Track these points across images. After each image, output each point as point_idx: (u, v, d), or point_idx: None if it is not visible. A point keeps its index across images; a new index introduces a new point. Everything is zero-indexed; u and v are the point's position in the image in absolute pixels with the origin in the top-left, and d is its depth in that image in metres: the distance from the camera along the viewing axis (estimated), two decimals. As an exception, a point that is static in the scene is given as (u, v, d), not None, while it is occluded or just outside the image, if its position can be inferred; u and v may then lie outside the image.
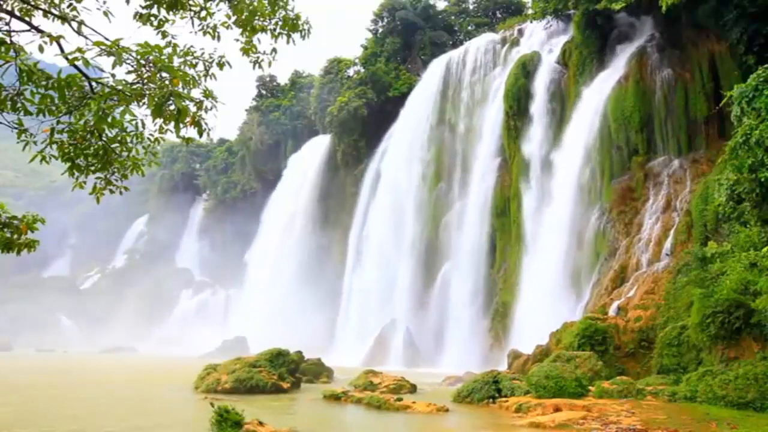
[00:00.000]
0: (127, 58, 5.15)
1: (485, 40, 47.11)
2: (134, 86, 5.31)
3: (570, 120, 33.37)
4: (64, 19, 6.01)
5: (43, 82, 5.30)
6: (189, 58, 6.16)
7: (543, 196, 33.59)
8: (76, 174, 6.10)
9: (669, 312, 22.02)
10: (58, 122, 5.70)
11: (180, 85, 5.34)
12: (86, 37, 5.56)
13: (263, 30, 7.13)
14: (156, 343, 60.77)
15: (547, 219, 32.45)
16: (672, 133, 29.02)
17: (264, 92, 72.58)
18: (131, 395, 22.29)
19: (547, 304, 29.55)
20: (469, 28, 60.04)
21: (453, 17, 61.21)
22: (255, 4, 6.98)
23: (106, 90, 5.36)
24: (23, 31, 5.64)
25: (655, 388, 17.39)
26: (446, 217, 42.49)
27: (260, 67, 7.20)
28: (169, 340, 60.19)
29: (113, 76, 5.38)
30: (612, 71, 31.90)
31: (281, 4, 7.12)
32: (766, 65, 14.76)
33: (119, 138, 5.95)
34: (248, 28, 7.04)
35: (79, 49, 4.98)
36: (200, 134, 5.68)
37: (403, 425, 16.04)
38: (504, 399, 17.58)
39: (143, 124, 5.71)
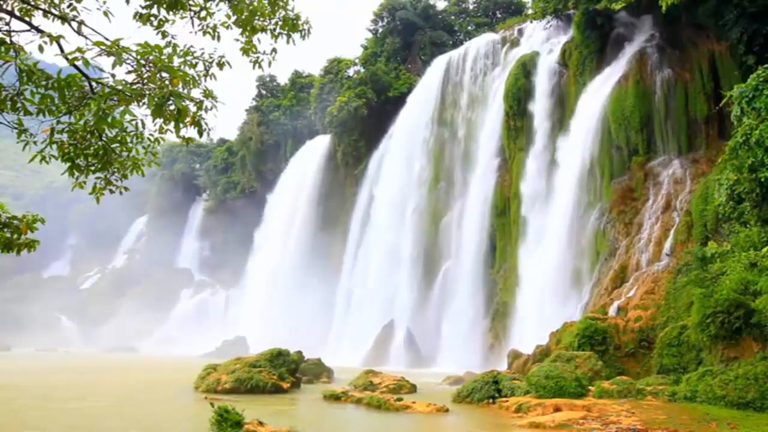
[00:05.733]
0: (127, 58, 5.15)
1: (485, 40, 47.10)
2: (134, 86, 5.31)
3: (570, 120, 33.38)
4: (64, 19, 6.00)
5: (43, 82, 5.30)
6: (189, 58, 6.15)
7: (543, 196, 33.60)
8: (76, 174, 6.08)
9: (669, 312, 22.02)
10: (58, 122, 5.69)
11: (180, 85, 5.34)
12: (86, 37, 5.56)
13: (263, 30, 7.13)
14: (156, 343, 60.73)
15: (547, 219, 32.46)
16: (672, 133, 29.03)
17: (264, 92, 72.56)
18: (131, 395, 22.29)
19: (547, 304, 29.56)
20: (469, 28, 60.06)
21: (453, 17, 61.23)
22: (255, 4, 6.98)
23: (106, 90, 5.36)
24: (23, 31, 5.64)
25: (655, 388, 17.38)
26: (446, 217, 42.49)
27: (260, 67, 7.20)
28: (169, 340, 60.17)
29: (113, 76, 5.38)
30: (612, 71, 31.91)
31: (281, 4, 7.11)
32: (766, 65, 14.75)
33: (119, 138, 5.94)
34: (248, 28, 7.04)
35: (79, 49, 4.98)
36: (200, 134, 5.67)
37: (403, 425, 16.04)
38: (504, 399, 17.58)
39: (143, 124, 5.71)
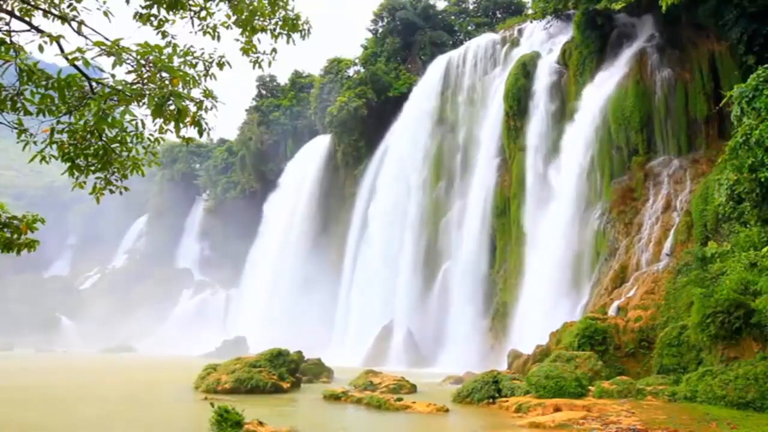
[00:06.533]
0: (127, 58, 5.15)
1: (485, 40, 47.10)
2: (134, 86, 5.31)
3: (570, 120, 33.37)
4: (64, 19, 6.00)
5: (43, 82, 5.30)
6: (189, 58, 6.15)
7: (543, 196, 33.59)
8: (76, 174, 6.09)
9: (669, 312, 22.02)
10: (58, 122, 5.69)
11: (180, 85, 5.34)
12: (86, 37, 5.56)
13: (263, 30, 7.13)
14: (156, 343, 60.72)
15: (547, 219, 32.45)
16: (672, 133, 29.02)
17: (264, 92, 72.55)
18: (131, 395, 22.29)
19: (547, 304, 29.55)
20: (469, 28, 60.05)
21: (453, 17, 61.21)
22: (255, 4, 6.98)
23: (106, 90, 5.36)
24: (23, 31, 5.64)
25: (655, 388, 17.39)
26: (446, 217, 42.48)
27: (260, 67, 7.20)
28: (169, 340, 60.13)
29: (113, 76, 5.38)
30: (612, 71, 31.91)
31: (281, 4, 7.12)
32: (766, 65, 14.74)
33: (119, 138, 5.94)
34: (248, 28, 7.04)
35: (79, 49, 4.98)
36: (200, 134, 5.68)
37: (403, 425, 16.04)
38: (504, 399, 17.58)
39: (143, 124, 5.71)
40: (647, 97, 29.70)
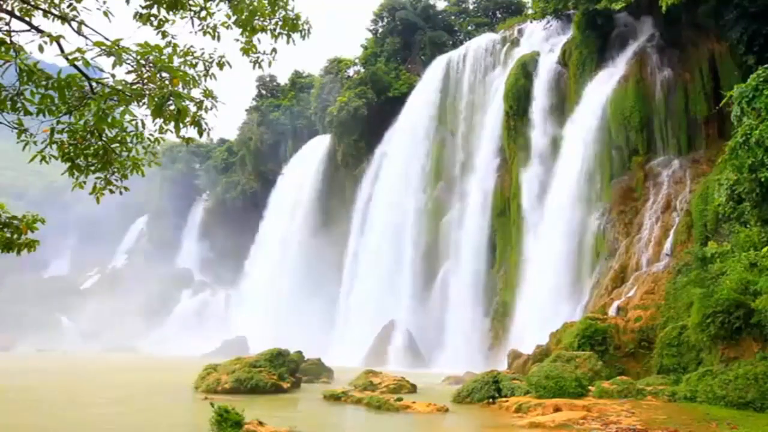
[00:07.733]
0: (127, 58, 5.15)
1: (485, 40, 47.10)
2: (134, 86, 5.31)
3: (570, 120, 33.37)
4: (64, 19, 6.00)
5: (43, 82, 5.30)
6: (189, 58, 6.15)
7: (543, 196, 33.59)
8: (76, 174, 6.09)
9: (669, 312, 22.02)
10: (58, 122, 5.69)
11: (180, 85, 5.34)
12: (86, 37, 5.56)
13: (263, 30, 7.12)
14: (156, 343, 60.70)
15: (546, 219, 32.45)
16: (672, 133, 29.04)
17: (264, 92, 72.54)
18: (131, 395, 22.28)
19: (547, 304, 29.54)
20: (469, 28, 60.07)
21: (453, 17, 61.23)
22: (255, 4, 6.98)
23: (106, 90, 5.36)
24: (23, 31, 5.64)
25: (655, 388, 17.39)
26: (446, 217, 42.48)
27: (260, 67, 7.20)
28: (169, 340, 60.10)
29: (113, 76, 5.38)
30: (612, 71, 31.92)
31: (281, 4, 7.11)
32: (766, 65, 14.75)
33: (119, 138, 5.94)
34: (248, 28, 7.03)
35: (79, 49, 4.98)
36: (200, 134, 5.68)
37: (403, 425, 16.04)
38: (504, 399, 17.58)
39: (143, 124, 5.71)
40: (647, 97, 29.71)
